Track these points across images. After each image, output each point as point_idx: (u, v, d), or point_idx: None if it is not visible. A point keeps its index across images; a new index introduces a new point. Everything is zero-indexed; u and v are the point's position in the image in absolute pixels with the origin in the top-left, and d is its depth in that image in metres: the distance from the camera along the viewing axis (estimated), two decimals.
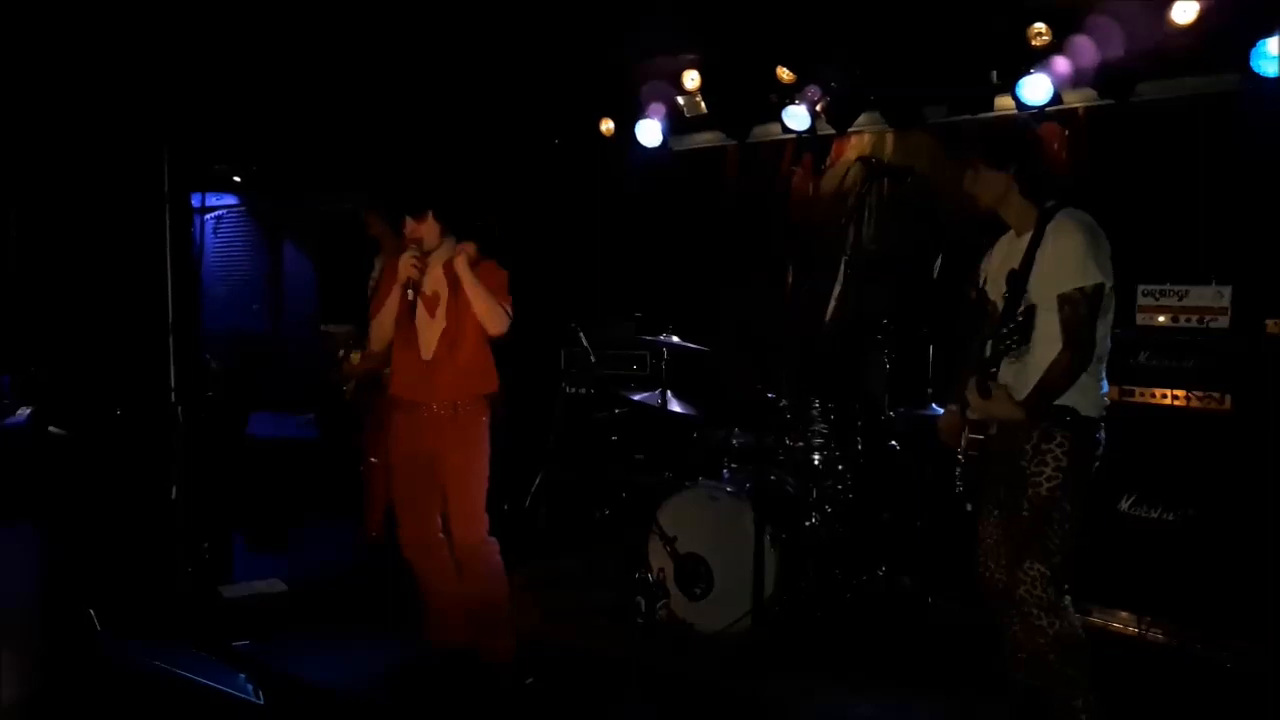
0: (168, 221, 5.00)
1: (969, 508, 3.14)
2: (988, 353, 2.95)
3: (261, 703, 3.03)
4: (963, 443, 3.07)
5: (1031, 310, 2.88)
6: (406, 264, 3.52)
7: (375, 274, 4.63)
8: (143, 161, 4.88)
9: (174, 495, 4.30)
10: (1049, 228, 2.93)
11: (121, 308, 4.79)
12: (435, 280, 3.59)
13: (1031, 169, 3.01)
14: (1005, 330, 2.87)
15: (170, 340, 4.71)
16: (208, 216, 8.05)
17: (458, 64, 5.34)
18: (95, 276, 4.78)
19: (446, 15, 4.77)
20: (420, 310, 3.59)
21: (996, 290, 3.07)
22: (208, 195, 8.02)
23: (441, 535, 3.69)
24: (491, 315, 3.54)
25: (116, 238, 4.83)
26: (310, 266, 7.79)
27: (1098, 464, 2.97)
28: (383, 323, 3.61)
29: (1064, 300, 2.87)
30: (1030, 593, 2.89)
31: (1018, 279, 2.93)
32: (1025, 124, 3.91)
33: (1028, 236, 2.98)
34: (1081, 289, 2.84)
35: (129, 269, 4.86)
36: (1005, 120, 4.58)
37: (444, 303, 3.58)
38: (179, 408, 4.39)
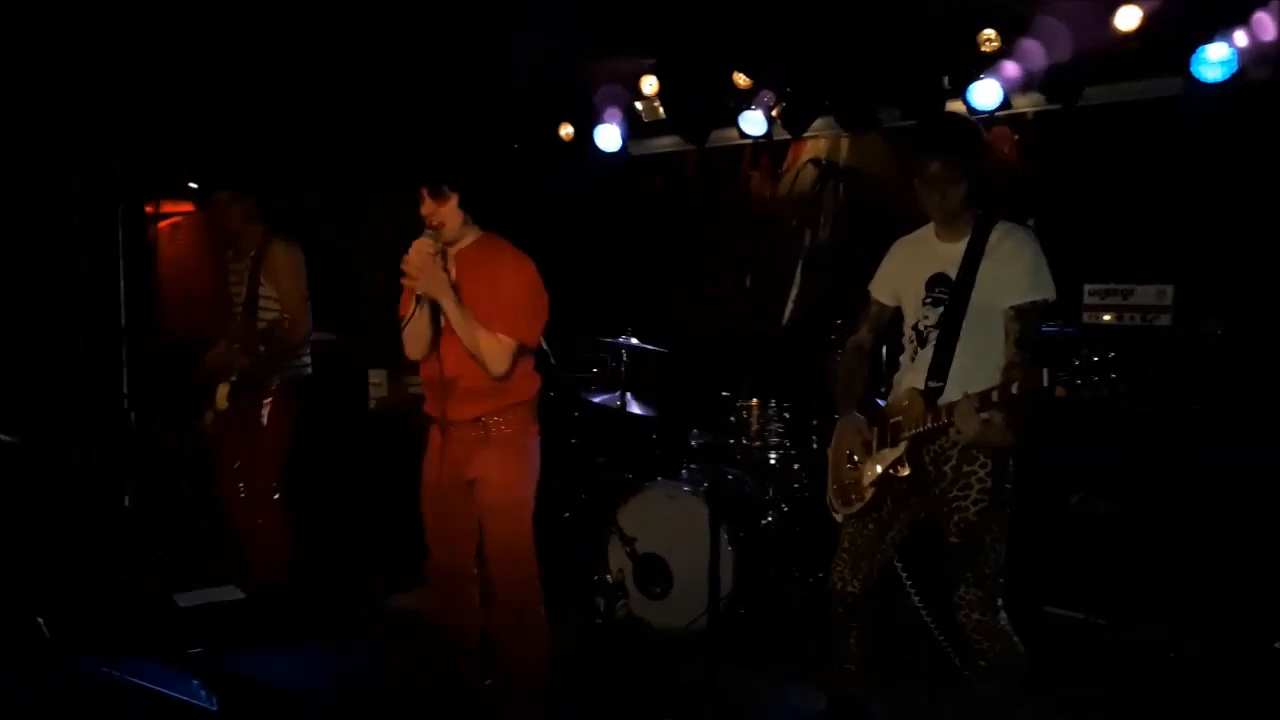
0: (120, 227, 4.95)
1: (839, 519, 3.12)
2: (921, 369, 2.92)
3: (215, 708, 3.01)
4: (869, 455, 3.00)
5: (958, 319, 2.86)
6: (419, 260, 2.91)
7: (239, 268, 4.22)
8: (95, 167, 4.84)
9: (127, 502, 4.26)
10: (995, 237, 2.90)
11: (72, 314, 4.74)
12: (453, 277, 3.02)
13: (984, 174, 2.97)
14: (940, 340, 2.86)
15: (123, 348, 4.67)
16: (163, 224, 7.95)
17: (414, 65, 5.32)
18: (47, 283, 4.73)
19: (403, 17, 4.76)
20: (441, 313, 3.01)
21: (911, 296, 3.02)
22: (164, 201, 7.95)
23: (474, 570, 3.23)
24: (488, 355, 2.96)
25: (69, 244, 4.78)
26: None
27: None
28: (410, 334, 3.04)
29: (1021, 313, 2.82)
30: (969, 618, 2.86)
31: (959, 286, 2.88)
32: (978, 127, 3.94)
33: (961, 243, 2.93)
34: (1036, 302, 2.83)
35: (81, 276, 4.82)
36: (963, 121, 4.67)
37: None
38: (132, 414, 4.34)
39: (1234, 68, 3.97)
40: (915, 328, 3.02)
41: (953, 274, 2.93)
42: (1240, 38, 3.93)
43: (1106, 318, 3.99)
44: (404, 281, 2.94)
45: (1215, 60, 4.00)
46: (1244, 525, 3.80)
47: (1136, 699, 3.50)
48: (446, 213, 3.01)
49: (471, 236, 3.13)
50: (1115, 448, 3.90)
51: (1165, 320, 3.86)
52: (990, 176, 3.03)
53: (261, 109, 5.18)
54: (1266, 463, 3.71)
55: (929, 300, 2.97)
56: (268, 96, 5.15)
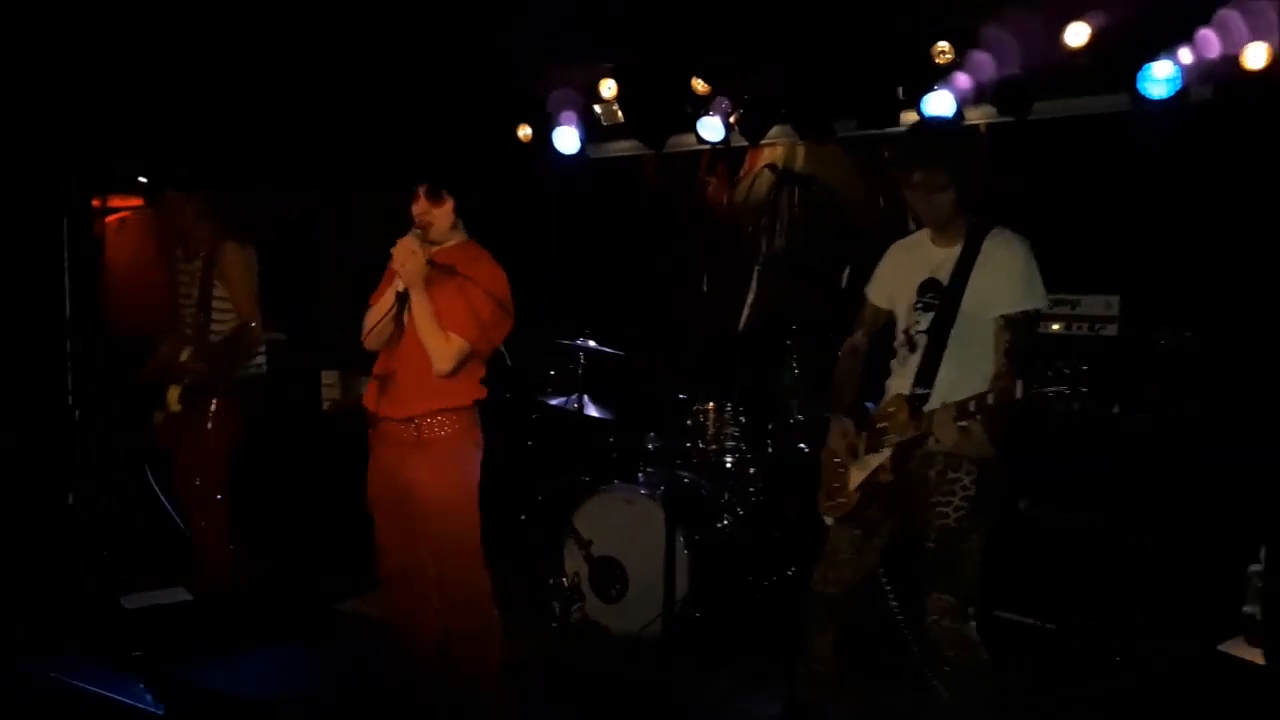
0: (65, 222, 4.84)
1: (829, 521, 3.09)
2: (909, 375, 2.90)
3: (160, 711, 2.95)
4: (855, 459, 2.98)
5: (946, 326, 2.83)
6: (403, 253, 2.95)
7: (190, 268, 4.13)
8: (39, 161, 4.72)
9: (71, 501, 4.16)
10: (988, 243, 2.86)
11: (14, 310, 4.63)
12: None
13: (973, 179, 2.92)
14: (928, 347, 2.84)
15: (68, 344, 4.56)
16: (110, 219, 7.78)
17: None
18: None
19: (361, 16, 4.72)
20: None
21: (903, 300, 3.00)
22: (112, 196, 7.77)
23: (428, 572, 3.16)
24: (437, 350, 2.99)
25: (8, 239, 4.67)
26: None
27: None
28: (372, 319, 3.09)
29: (1011, 322, 2.77)
30: (938, 624, 2.83)
31: (949, 292, 2.85)
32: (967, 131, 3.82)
33: (954, 249, 2.89)
34: (1027, 312, 2.79)
35: (23, 271, 4.70)
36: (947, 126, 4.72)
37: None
38: (77, 412, 4.25)
39: (1179, 85, 4.07)
40: (906, 333, 2.99)
41: (944, 280, 2.89)
42: (1185, 55, 4.03)
43: (1055, 327, 4.08)
44: (392, 262, 2.98)
45: (1160, 78, 4.09)
46: (1205, 530, 3.86)
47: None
48: (440, 215, 3.09)
49: (456, 240, 3.18)
50: (1074, 457, 3.96)
51: (1112, 330, 3.96)
52: (982, 181, 2.98)
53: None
54: (1224, 465, 3.79)
55: (920, 306, 2.93)
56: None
